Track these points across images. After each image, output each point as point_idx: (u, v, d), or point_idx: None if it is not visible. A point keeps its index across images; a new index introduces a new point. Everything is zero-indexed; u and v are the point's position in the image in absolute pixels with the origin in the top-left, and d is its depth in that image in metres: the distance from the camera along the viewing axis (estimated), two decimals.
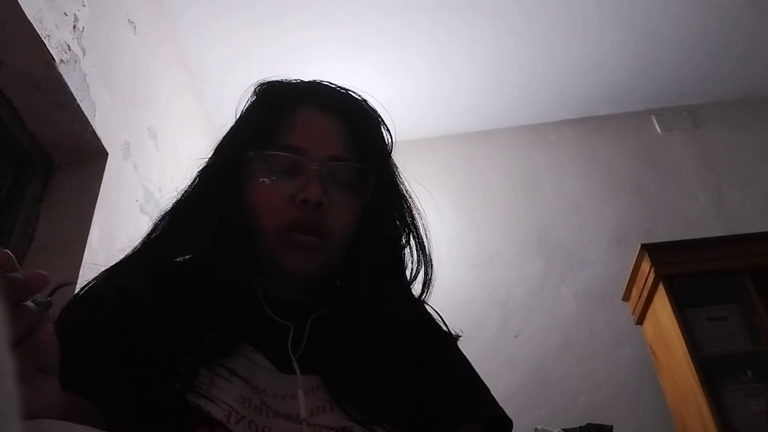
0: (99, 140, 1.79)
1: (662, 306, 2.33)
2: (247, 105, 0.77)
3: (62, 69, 1.59)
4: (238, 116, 0.78)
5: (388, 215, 0.75)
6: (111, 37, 1.94)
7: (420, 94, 3.12)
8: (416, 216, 0.77)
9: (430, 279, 0.75)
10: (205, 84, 2.78)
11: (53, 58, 1.55)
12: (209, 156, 0.77)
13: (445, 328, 0.75)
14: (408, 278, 0.76)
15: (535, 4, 2.69)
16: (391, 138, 0.78)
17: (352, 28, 2.70)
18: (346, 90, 0.77)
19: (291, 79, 0.78)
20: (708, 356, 2.17)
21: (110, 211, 1.80)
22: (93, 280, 0.67)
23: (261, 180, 0.69)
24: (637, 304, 2.53)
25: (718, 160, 3.17)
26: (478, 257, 2.99)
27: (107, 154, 1.83)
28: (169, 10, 2.50)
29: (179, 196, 0.74)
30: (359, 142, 0.72)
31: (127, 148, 1.97)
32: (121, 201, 1.91)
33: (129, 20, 2.10)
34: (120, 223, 1.84)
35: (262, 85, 0.77)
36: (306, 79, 0.79)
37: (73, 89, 1.64)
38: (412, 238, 0.76)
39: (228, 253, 0.67)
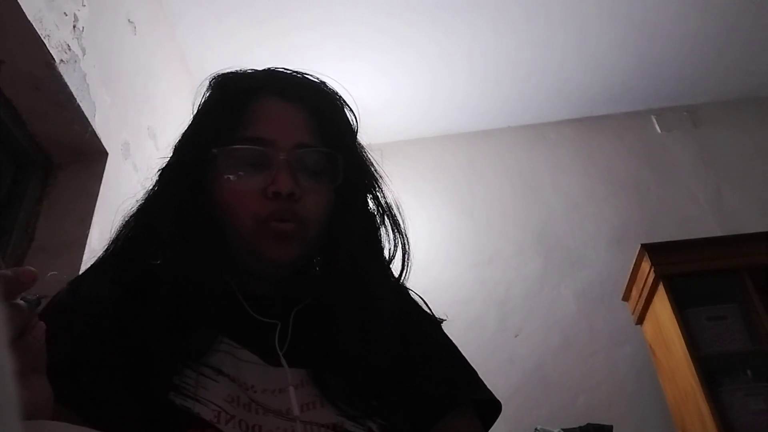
0: (99, 140, 1.79)
1: (662, 306, 2.33)
2: (204, 100, 0.75)
3: (62, 69, 1.59)
4: (195, 112, 0.75)
5: (360, 197, 0.74)
6: (111, 37, 1.94)
7: (420, 94, 3.12)
8: (388, 195, 0.76)
9: (408, 257, 0.74)
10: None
11: (53, 58, 1.55)
12: (169, 155, 0.74)
13: (428, 311, 0.75)
14: (387, 259, 0.74)
15: (534, 4, 2.69)
16: (356, 118, 0.76)
17: (352, 28, 2.70)
18: (303, 74, 0.75)
19: (246, 69, 0.76)
20: (708, 356, 2.17)
21: (110, 211, 1.79)
22: (59, 292, 0.65)
23: (228, 176, 0.67)
24: (637, 304, 2.53)
25: (717, 159, 3.17)
26: (477, 256, 2.99)
27: (107, 154, 1.83)
28: (169, 10, 2.50)
29: (142, 200, 0.72)
30: (324, 127, 0.71)
31: (126, 148, 1.97)
32: (121, 201, 1.90)
33: (129, 20, 2.10)
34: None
35: (217, 77, 0.75)
36: (260, 68, 0.77)
37: (73, 89, 1.64)
38: (386, 218, 0.75)
39: (198, 253, 0.66)
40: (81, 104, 1.69)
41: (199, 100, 0.76)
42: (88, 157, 1.81)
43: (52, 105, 1.65)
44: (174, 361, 0.59)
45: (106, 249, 0.70)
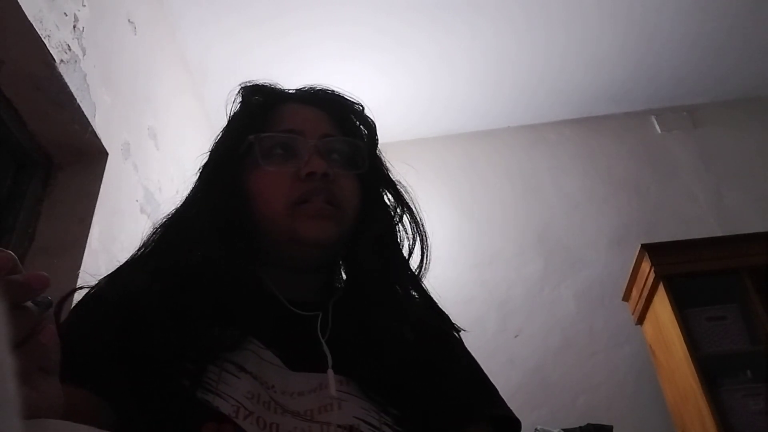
0: (99, 140, 1.79)
1: (662, 306, 2.33)
2: (235, 104, 0.81)
3: (62, 69, 1.59)
4: (229, 116, 0.81)
5: (380, 193, 0.78)
6: (111, 37, 1.94)
7: (420, 94, 3.12)
8: (405, 193, 0.80)
9: (427, 253, 0.78)
10: (205, 84, 2.78)
11: (53, 58, 1.55)
12: (207, 154, 0.78)
13: (450, 321, 0.76)
14: (405, 254, 0.77)
15: (535, 4, 2.69)
16: (374, 123, 0.81)
17: (352, 28, 2.70)
18: (322, 87, 0.81)
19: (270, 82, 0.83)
20: (707, 356, 2.17)
21: (110, 212, 1.80)
22: (98, 282, 0.68)
23: (263, 165, 0.71)
24: (637, 304, 2.53)
25: (717, 160, 3.17)
26: (477, 257, 2.99)
27: (107, 154, 1.83)
28: (169, 10, 2.50)
29: (184, 197, 0.76)
30: (345, 125, 0.77)
31: (127, 148, 1.97)
32: (122, 201, 1.91)
33: (129, 20, 2.10)
34: (120, 224, 1.84)
35: (245, 86, 0.81)
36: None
37: (73, 89, 1.64)
38: (405, 214, 0.78)
39: (234, 248, 0.68)
40: (81, 104, 1.69)
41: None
42: (89, 157, 1.81)
43: (52, 105, 1.65)
44: (206, 358, 0.60)
45: (143, 246, 0.72)
